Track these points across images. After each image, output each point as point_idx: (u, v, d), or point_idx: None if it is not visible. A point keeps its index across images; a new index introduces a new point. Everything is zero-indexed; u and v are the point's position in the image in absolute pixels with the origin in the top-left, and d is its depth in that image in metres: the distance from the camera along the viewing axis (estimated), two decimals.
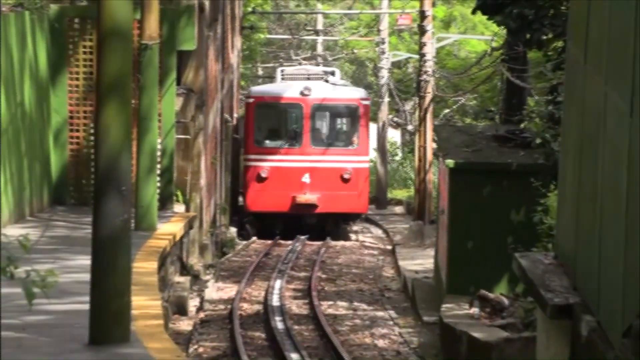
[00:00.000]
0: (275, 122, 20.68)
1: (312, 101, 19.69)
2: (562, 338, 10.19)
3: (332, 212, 19.54)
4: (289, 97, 19.83)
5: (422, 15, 21.33)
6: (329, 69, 22.38)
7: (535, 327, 10.66)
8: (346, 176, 19.24)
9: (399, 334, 12.11)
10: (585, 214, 10.50)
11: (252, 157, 19.70)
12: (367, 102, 20.40)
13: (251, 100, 20.17)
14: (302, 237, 19.83)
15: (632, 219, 5.81)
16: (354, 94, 20.64)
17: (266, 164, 19.39)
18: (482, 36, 31.75)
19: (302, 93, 19.59)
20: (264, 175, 19.24)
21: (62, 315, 7.63)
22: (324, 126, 20.67)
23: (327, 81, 20.54)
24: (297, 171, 19.34)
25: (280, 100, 20.00)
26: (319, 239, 19.89)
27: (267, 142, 20.13)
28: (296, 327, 12.01)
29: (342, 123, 20.97)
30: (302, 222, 19.98)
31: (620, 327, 5.90)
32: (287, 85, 20.43)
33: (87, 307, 6.61)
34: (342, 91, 20.44)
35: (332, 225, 20.46)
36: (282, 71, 22.27)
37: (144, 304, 7.97)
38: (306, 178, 19.16)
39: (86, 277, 6.76)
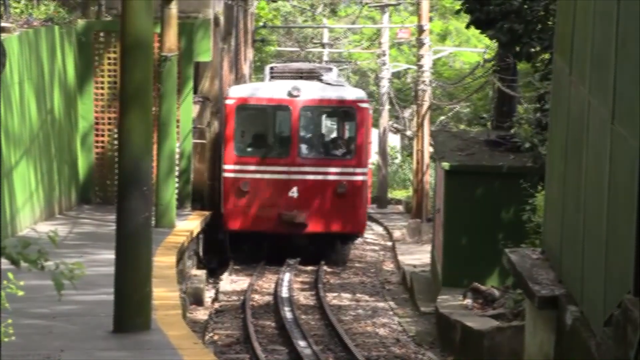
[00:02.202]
0: (258, 127, 15.98)
1: (302, 103, 15.07)
2: (548, 327, 10.17)
3: (323, 232, 15.13)
4: (274, 98, 15.20)
5: (420, 29, 21.31)
6: (325, 66, 18.53)
7: (523, 317, 10.62)
8: (340, 190, 14.76)
9: (398, 323, 12.08)
10: (570, 213, 10.48)
11: (232, 167, 14.99)
12: (365, 105, 15.51)
13: (231, 101, 15.17)
14: (292, 261, 15.33)
15: (612, 218, 5.81)
16: (350, 95, 15.66)
17: (247, 176, 14.89)
18: (475, 49, 31.66)
19: (290, 94, 14.97)
20: (244, 188, 14.70)
21: (88, 305, 7.68)
22: (315, 132, 16.08)
23: (320, 80, 16.07)
24: (283, 184, 14.82)
25: (264, 102, 15.40)
26: (314, 263, 15.35)
27: (249, 149, 15.46)
28: (303, 316, 11.98)
29: (337, 128, 16.87)
30: (291, 243, 15.60)
31: (602, 317, 5.89)
32: (274, 85, 15.79)
33: (111, 297, 6.66)
34: (336, 91, 15.62)
35: (327, 247, 15.79)
36: (271, 69, 17.32)
37: (164, 295, 7.99)
38: (294, 192, 14.66)
39: (110, 270, 6.80)
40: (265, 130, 16.08)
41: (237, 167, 15.00)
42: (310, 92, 15.25)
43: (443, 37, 33.71)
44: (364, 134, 15.36)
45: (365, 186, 15.53)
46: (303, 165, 14.94)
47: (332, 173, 15.03)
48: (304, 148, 15.33)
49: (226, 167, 15.18)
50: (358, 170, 15.19)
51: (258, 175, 14.94)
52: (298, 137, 15.17)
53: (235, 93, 15.51)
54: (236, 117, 15.16)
